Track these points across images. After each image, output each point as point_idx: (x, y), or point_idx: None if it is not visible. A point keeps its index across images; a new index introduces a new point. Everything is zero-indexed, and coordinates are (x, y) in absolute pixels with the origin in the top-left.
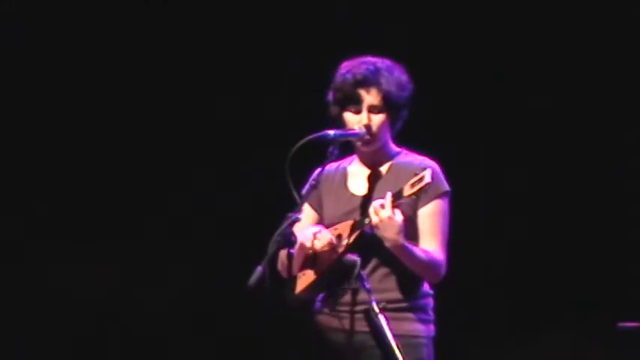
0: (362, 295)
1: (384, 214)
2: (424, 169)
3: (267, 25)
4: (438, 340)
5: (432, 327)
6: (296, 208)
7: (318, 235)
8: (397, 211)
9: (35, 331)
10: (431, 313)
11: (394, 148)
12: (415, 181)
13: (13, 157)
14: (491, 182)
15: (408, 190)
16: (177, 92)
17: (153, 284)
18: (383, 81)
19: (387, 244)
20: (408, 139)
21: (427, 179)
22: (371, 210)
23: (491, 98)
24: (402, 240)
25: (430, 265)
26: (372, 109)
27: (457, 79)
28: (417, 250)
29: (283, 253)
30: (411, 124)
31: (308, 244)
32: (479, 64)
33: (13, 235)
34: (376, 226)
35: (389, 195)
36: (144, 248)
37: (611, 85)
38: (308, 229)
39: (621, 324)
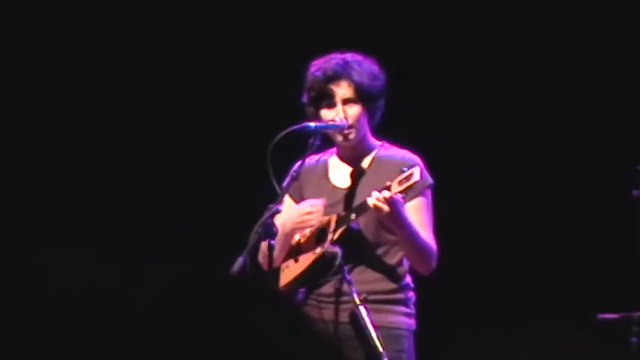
0: (343, 286)
1: (386, 193)
2: (412, 165)
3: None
4: (423, 333)
5: (413, 321)
6: (277, 199)
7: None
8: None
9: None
10: (412, 307)
11: (374, 141)
12: (403, 179)
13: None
14: (474, 177)
15: (395, 188)
16: (157, 90)
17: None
18: (353, 73)
19: (395, 219)
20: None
21: (416, 177)
22: (371, 198)
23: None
24: (406, 215)
25: (428, 250)
26: (346, 102)
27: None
28: (419, 231)
29: (264, 245)
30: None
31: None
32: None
33: None
34: (379, 208)
35: (375, 193)
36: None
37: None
38: (292, 210)
39: (601, 315)
